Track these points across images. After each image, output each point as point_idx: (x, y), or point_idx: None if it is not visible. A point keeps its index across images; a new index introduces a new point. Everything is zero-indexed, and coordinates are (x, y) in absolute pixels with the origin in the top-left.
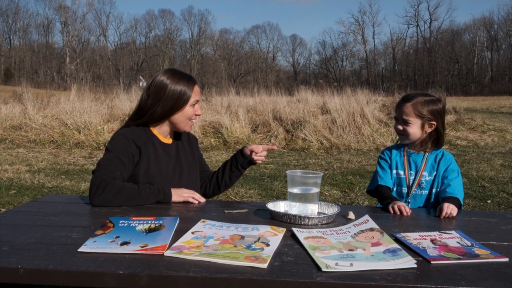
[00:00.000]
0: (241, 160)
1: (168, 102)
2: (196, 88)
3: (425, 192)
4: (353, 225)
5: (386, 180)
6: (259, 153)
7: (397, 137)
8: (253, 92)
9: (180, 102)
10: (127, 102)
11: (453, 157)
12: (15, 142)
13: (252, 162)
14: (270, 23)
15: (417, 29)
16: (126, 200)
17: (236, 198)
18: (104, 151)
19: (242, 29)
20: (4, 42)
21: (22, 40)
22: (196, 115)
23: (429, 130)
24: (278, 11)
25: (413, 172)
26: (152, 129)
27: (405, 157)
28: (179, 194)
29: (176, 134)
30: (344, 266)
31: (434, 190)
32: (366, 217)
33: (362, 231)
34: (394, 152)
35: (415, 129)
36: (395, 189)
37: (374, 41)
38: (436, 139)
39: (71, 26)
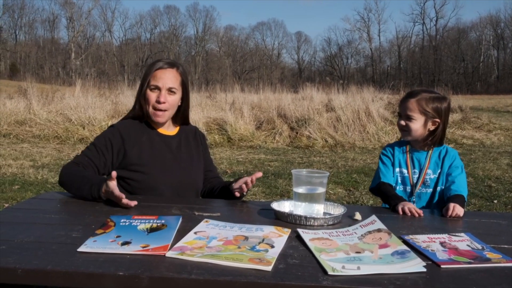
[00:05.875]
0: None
1: (139, 88)
2: (160, 73)
3: (430, 190)
4: (360, 226)
5: (389, 177)
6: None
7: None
8: (258, 89)
9: (141, 85)
10: (131, 98)
11: (457, 153)
12: (20, 137)
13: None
14: (275, 20)
15: (423, 27)
16: (70, 187)
17: None
18: None
19: (247, 26)
20: (10, 37)
21: (28, 36)
22: (158, 102)
23: (432, 128)
24: (283, 7)
25: (417, 171)
26: (149, 121)
27: (408, 155)
28: (107, 191)
29: (182, 127)
30: (351, 270)
31: (438, 188)
32: (373, 217)
33: (369, 232)
34: (397, 149)
35: (417, 126)
36: (398, 188)
37: (379, 39)
38: (437, 137)
39: (76, 21)
